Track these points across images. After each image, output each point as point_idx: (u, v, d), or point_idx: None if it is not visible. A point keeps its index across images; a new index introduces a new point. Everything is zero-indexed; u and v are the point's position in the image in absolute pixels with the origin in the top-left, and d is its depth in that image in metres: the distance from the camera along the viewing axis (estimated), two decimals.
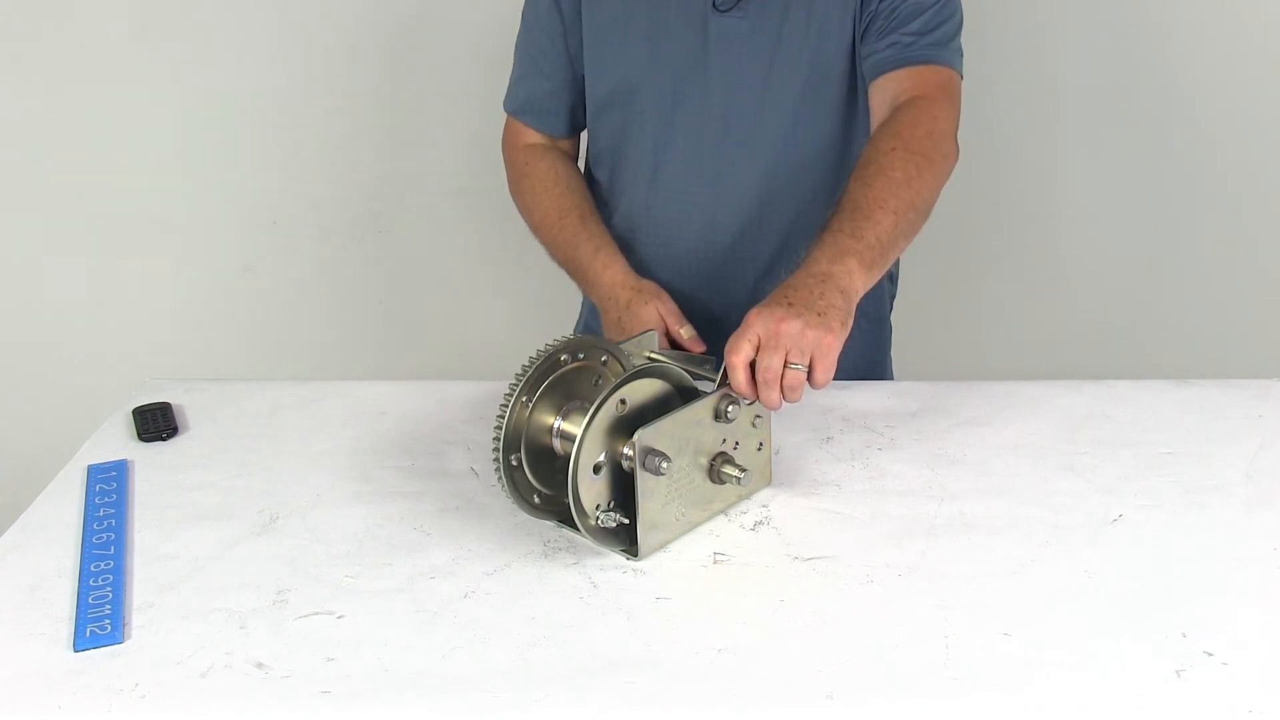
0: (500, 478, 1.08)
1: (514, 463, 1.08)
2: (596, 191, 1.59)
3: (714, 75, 1.45)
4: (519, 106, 1.59)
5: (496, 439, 1.07)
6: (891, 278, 1.65)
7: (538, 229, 1.55)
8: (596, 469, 1.06)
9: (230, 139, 2.15)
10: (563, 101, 1.56)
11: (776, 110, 1.45)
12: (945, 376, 1.65)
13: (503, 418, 1.07)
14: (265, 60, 2.11)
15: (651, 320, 1.38)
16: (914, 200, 1.25)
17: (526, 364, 1.09)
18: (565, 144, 1.60)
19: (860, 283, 1.17)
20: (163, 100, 2.12)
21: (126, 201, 2.17)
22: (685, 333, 1.37)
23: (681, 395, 1.11)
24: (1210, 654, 0.93)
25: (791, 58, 1.43)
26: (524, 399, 1.08)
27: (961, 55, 1.44)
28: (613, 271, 1.45)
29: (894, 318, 1.68)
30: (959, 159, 1.36)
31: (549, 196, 1.53)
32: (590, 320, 1.66)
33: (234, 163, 2.16)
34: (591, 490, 1.06)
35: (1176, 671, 0.91)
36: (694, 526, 1.11)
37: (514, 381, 1.08)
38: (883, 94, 1.40)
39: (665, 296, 1.41)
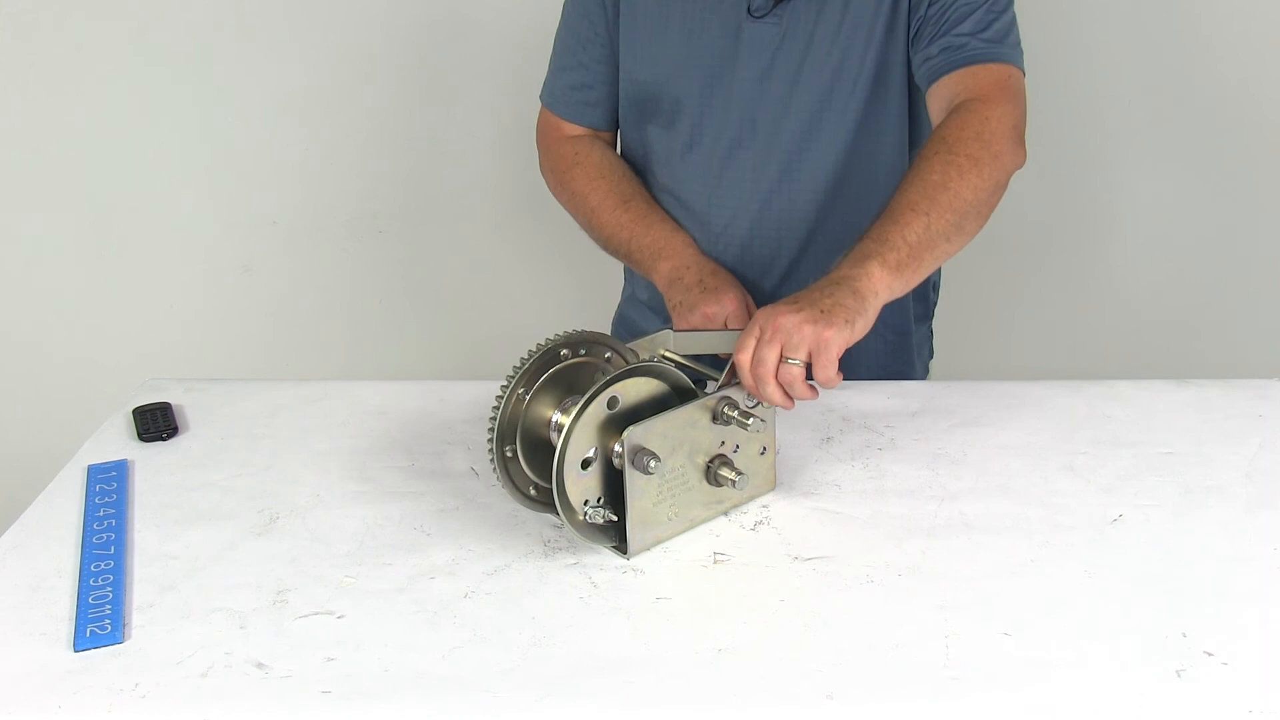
0: (494, 469, 1.08)
1: (508, 454, 1.08)
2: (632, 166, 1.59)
3: (741, 80, 1.44)
4: (557, 98, 1.59)
5: (491, 430, 1.07)
6: (934, 286, 1.64)
7: (595, 212, 1.54)
8: (585, 464, 1.05)
9: (231, 139, 2.15)
10: (601, 94, 1.55)
11: (798, 115, 1.44)
12: (946, 376, 1.66)
13: (498, 409, 1.07)
14: (265, 61, 2.11)
15: (736, 286, 1.41)
16: (952, 201, 1.22)
17: (525, 356, 1.09)
18: (605, 136, 1.60)
19: (881, 285, 1.15)
20: (163, 101, 2.12)
21: (127, 201, 2.17)
22: None
23: (679, 397, 1.11)
24: (1210, 654, 0.93)
25: (818, 63, 1.42)
26: (520, 391, 1.08)
27: (1020, 49, 1.40)
28: (695, 249, 1.47)
29: None
30: (1026, 159, 1.33)
31: (606, 182, 1.54)
32: (626, 312, 1.67)
33: (234, 163, 2.16)
34: (579, 485, 1.05)
35: (1176, 671, 0.91)
36: (692, 526, 1.11)
37: (511, 374, 1.08)
38: (939, 100, 1.37)
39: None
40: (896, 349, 1.57)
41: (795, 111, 1.44)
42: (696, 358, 1.24)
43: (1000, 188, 1.29)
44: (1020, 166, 1.33)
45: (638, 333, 1.23)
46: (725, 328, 1.38)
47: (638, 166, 1.58)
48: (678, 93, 1.48)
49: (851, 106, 1.44)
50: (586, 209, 1.55)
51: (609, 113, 1.58)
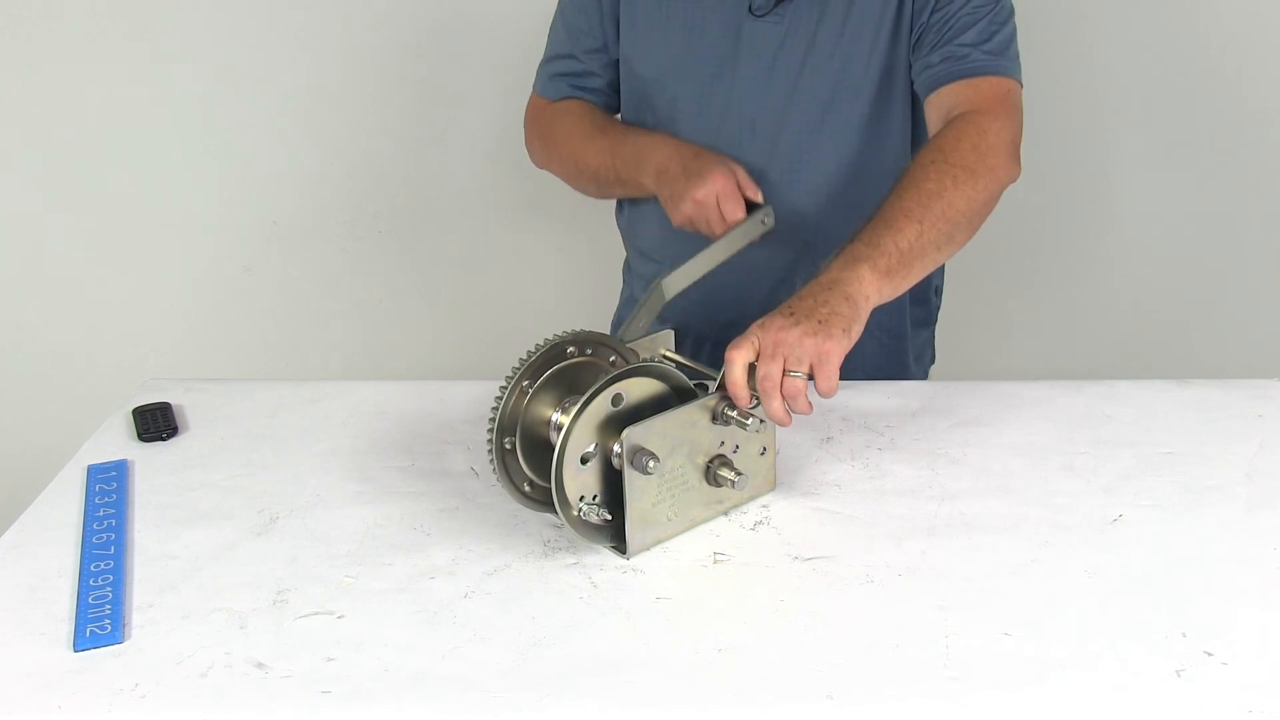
0: (491, 460, 1.07)
1: (508, 446, 1.08)
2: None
3: (741, 80, 1.44)
4: (549, 86, 1.57)
5: (492, 420, 1.06)
6: (936, 290, 1.63)
7: (578, 154, 1.52)
8: (585, 460, 1.05)
9: (231, 139, 2.15)
10: (596, 85, 1.54)
11: (801, 118, 1.44)
12: (945, 376, 1.66)
13: (500, 398, 1.07)
14: (265, 61, 2.11)
15: (720, 162, 1.36)
16: (946, 211, 1.23)
17: (532, 350, 1.09)
18: None
19: (872, 289, 1.15)
20: (163, 100, 2.12)
21: (127, 201, 2.17)
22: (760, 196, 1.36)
23: (679, 397, 1.11)
24: (1210, 654, 0.93)
25: (821, 66, 1.42)
26: (525, 384, 1.08)
27: (1019, 63, 1.40)
28: (675, 141, 1.44)
29: None
30: (1020, 174, 1.33)
31: (580, 125, 1.52)
32: (623, 315, 1.66)
33: (234, 163, 2.16)
34: (577, 480, 1.05)
35: (1176, 671, 0.91)
36: (692, 526, 1.11)
37: (516, 365, 1.08)
38: (937, 109, 1.37)
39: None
40: (891, 352, 1.57)
41: (797, 114, 1.44)
42: (695, 358, 1.24)
43: (993, 200, 1.30)
44: (1014, 181, 1.33)
45: None
46: (721, 218, 1.34)
47: None
48: (676, 90, 1.47)
49: (855, 112, 1.43)
50: (571, 156, 1.53)
51: (603, 102, 1.56)
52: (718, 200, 1.35)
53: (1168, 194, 2.18)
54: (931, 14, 1.38)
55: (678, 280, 1.27)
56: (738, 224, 1.34)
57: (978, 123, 1.31)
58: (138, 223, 2.18)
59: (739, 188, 1.36)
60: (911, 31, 1.40)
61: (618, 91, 1.56)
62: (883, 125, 1.45)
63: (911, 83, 1.44)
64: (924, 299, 1.61)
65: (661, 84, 1.48)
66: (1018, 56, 1.40)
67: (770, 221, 1.37)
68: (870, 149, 1.45)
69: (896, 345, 1.57)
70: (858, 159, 1.45)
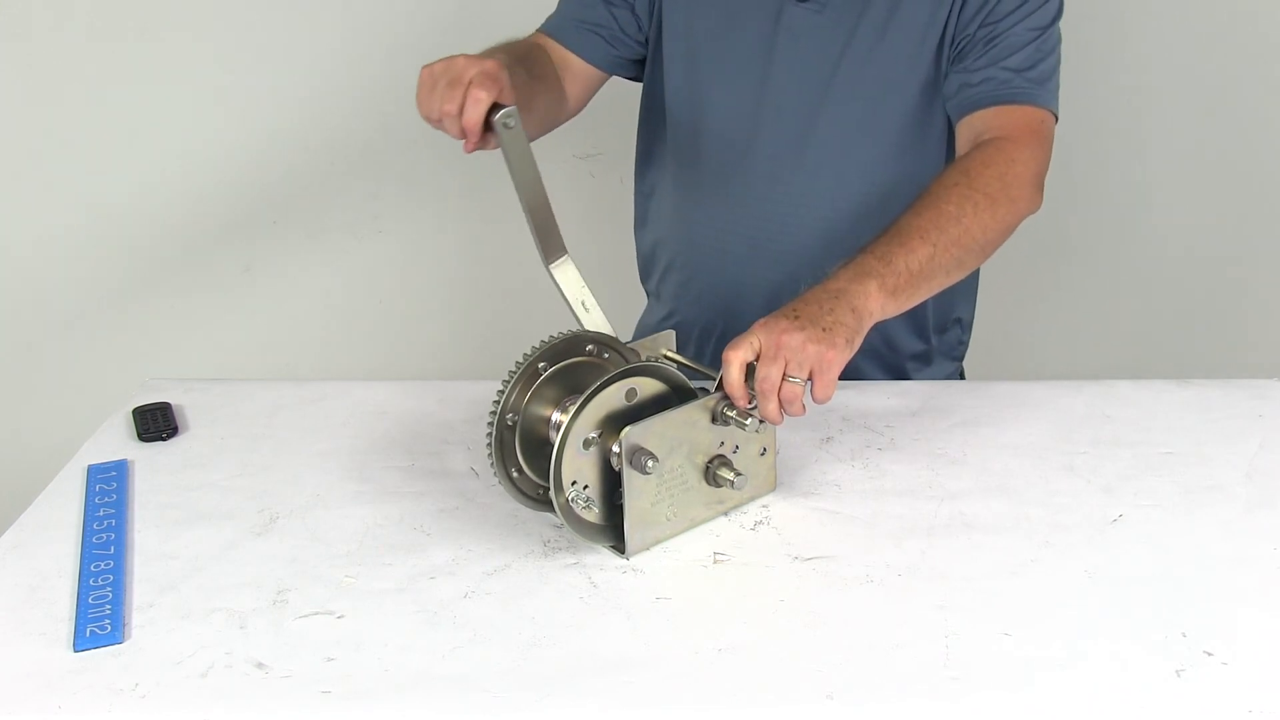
0: (490, 433, 1.07)
1: (510, 422, 1.08)
2: (647, 154, 1.56)
3: (775, 65, 1.41)
4: (565, 29, 1.49)
5: (500, 394, 1.06)
6: (959, 321, 1.59)
7: None
8: (587, 444, 1.05)
9: (231, 139, 2.15)
10: (607, 32, 1.46)
11: (834, 115, 1.41)
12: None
13: (513, 373, 1.06)
14: (266, 60, 2.11)
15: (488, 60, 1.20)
16: (961, 237, 1.20)
17: (554, 336, 1.08)
18: (578, 65, 1.48)
19: (877, 305, 1.14)
20: (163, 100, 2.12)
21: (127, 201, 2.17)
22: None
23: (679, 397, 1.11)
24: (1210, 654, 0.93)
25: (860, 61, 1.39)
26: (541, 364, 1.08)
27: (1057, 95, 1.37)
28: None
29: None
30: (1041, 206, 1.31)
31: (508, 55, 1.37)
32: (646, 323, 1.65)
33: (234, 163, 2.16)
34: (575, 463, 1.05)
35: (1176, 671, 0.91)
36: (692, 526, 1.11)
37: (536, 346, 1.07)
38: (969, 130, 1.35)
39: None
40: (890, 365, 1.54)
41: (830, 111, 1.41)
42: (698, 359, 1.24)
43: (1009, 230, 1.28)
44: (1034, 212, 1.31)
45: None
46: (454, 90, 1.18)
47: (650, 150, 1.54)
48: (709, 72, 1.44)
49: (894, 124, 1.41)
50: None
51: (618, 60, 1.49)
52: (472, 80, 1.17)
53: (1167, 195, 2.18)
54: (980, 27, 1.35)
55: (549, 243, 1.16)
56: (478, 127, 1.19)
57: (1007, 151, 1.29)
58: (138, 222, 2.18)
59: (502, 88, 1.17)
60: (954, 43, 1.37)
61: (616, 46, 1.48)
62: (922, 145, 1.42)
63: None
64: (942, 327, 1.57)
65: (695, 64, 1.45)
66: (1057, 89, 1.38)
67: (513, 123, 1.17)
68: (909, 162, 1.42)
69: (892, 358, 1.54)
70: (894, 176, 1.42)
